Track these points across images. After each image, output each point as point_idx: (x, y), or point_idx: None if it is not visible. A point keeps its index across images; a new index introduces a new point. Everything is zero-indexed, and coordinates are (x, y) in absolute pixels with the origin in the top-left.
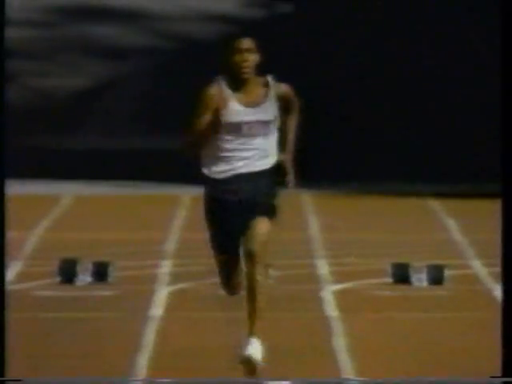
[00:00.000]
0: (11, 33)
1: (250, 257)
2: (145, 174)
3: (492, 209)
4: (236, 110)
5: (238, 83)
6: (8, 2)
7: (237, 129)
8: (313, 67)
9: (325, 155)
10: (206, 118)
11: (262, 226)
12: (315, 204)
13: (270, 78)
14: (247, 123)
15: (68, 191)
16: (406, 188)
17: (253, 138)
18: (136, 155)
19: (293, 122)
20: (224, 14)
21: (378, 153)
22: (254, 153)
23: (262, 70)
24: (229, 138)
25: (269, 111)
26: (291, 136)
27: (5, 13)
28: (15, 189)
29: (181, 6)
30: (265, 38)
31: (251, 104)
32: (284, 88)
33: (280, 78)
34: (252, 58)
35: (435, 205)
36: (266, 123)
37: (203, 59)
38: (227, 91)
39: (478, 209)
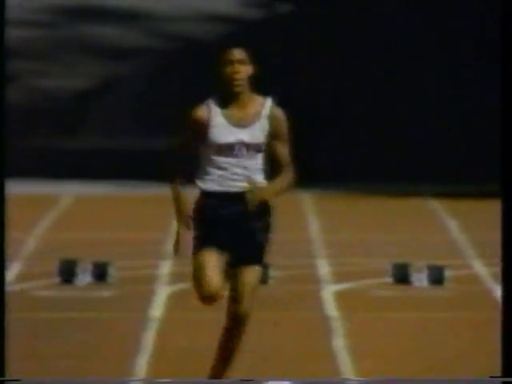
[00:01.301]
0: (12, 33)
1: (239, 318)
2: (145, 174)
3: (492, 209)
4: (224, 129)
5: (230, 98)
6: (8, 2)
7: (225, 149)
8: (312, 67)
9: (324, 155)
10: (188, 140)
11: (249, 280)
12: (315, 204)
13: (269, 101)
14: (237, 144)
15: (68, 191)
16: (407, 188)
17: (243, 159)
18: (136, 155)
19: (283, 178)
20: (224, 15)
21: (379, 153)
22: (245, 174)
23: (260, 70)
24: (219, 157)
25: (258, 133)
26: (279, 184)
27: (5, 13)
28: (15, 189)
29: (181, 6)
30: (264, 38)
31: (241, 124)
32: (282, 124)
33: (279, 79)
34: (244, 70)
35: (435, 205)
36: (255, 146)
37: (203, 59)
38: (216, 110)
39: (478, 209)
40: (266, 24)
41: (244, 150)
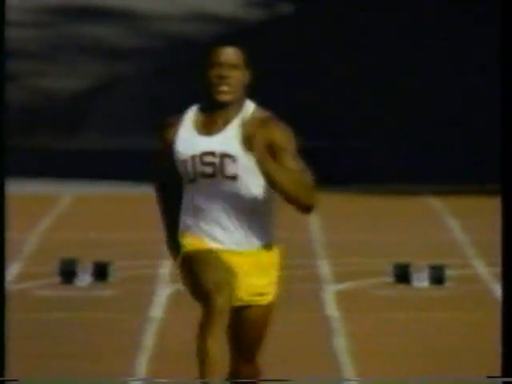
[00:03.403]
0: (12, 33)
1: None
2: (145, 173)
3: (493, 208)
4: (185, 139)
5: (210, 109)
6: (8, 3)
7: (188, 168)
8: (313, 67)
9: (324, 155)
10: (161, 157)
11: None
12: (315, 204)
13: (248, 104)
14: (200, 156)
15: (68, 191)
16: (407, 187)
17: (216, 186)
18: (136, 155)
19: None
20: (224, 15)
21: (379, 153)
22: (222, 212)
23: (260, 73)
24: (187, 186)
25: (230, 142)
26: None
27: (5, 13)
28: (15, 188)
29: (181, 6)
30: (264, 39)
31: (208, 131)
32: (275, 131)
33: (280, 80)
34: (235, 75)
35: (436, 204)
36: (228, 157)
37: (203, 60)
38: (184, 121)
39: (479, 208)
40: (266, 25)
41: (216, 169)
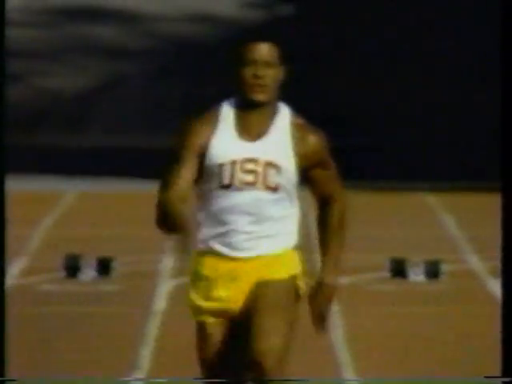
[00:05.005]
0: (16, 33)
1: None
2: (146, 171)
3: (488, 204)
4: (225, 141)
5: (245, 109)
6: (11, 4)
7: (225, 173)
8: (313, 68)
9: None
10: (184, 167)
11: (273, 328)
12: (313, 200)
13: (283, 108)
14: (241, 163)
15: (72, 188)
16: (404, 184)
17: (253, 192)
18: (137, 153)
19: (332, 224)
20: (224, 16)
21: (377, 150)
22: (258, 219)
23: None
24: (218, 191)
25: (274, 150)
26: (332, 249)
27: (5, 13)
28: (21, 186)
29: (181, 7)
30: (264, 40)
31: (248, 135)
32: (313, 139)
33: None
34: (270, 73)
35: (432, 200)
36: (272, 167)
37: (203, 60)
38: (222, 121)
39: (474, 204)
40: (267, 26)
41: (256, 177)
